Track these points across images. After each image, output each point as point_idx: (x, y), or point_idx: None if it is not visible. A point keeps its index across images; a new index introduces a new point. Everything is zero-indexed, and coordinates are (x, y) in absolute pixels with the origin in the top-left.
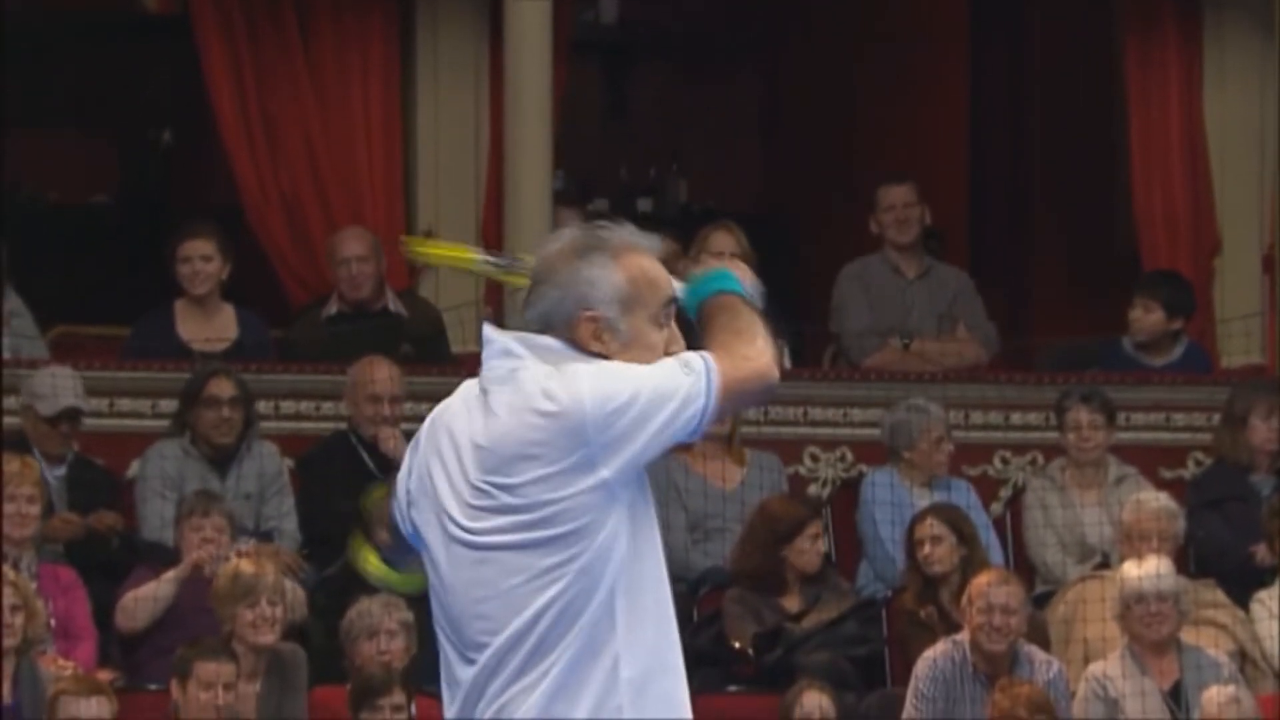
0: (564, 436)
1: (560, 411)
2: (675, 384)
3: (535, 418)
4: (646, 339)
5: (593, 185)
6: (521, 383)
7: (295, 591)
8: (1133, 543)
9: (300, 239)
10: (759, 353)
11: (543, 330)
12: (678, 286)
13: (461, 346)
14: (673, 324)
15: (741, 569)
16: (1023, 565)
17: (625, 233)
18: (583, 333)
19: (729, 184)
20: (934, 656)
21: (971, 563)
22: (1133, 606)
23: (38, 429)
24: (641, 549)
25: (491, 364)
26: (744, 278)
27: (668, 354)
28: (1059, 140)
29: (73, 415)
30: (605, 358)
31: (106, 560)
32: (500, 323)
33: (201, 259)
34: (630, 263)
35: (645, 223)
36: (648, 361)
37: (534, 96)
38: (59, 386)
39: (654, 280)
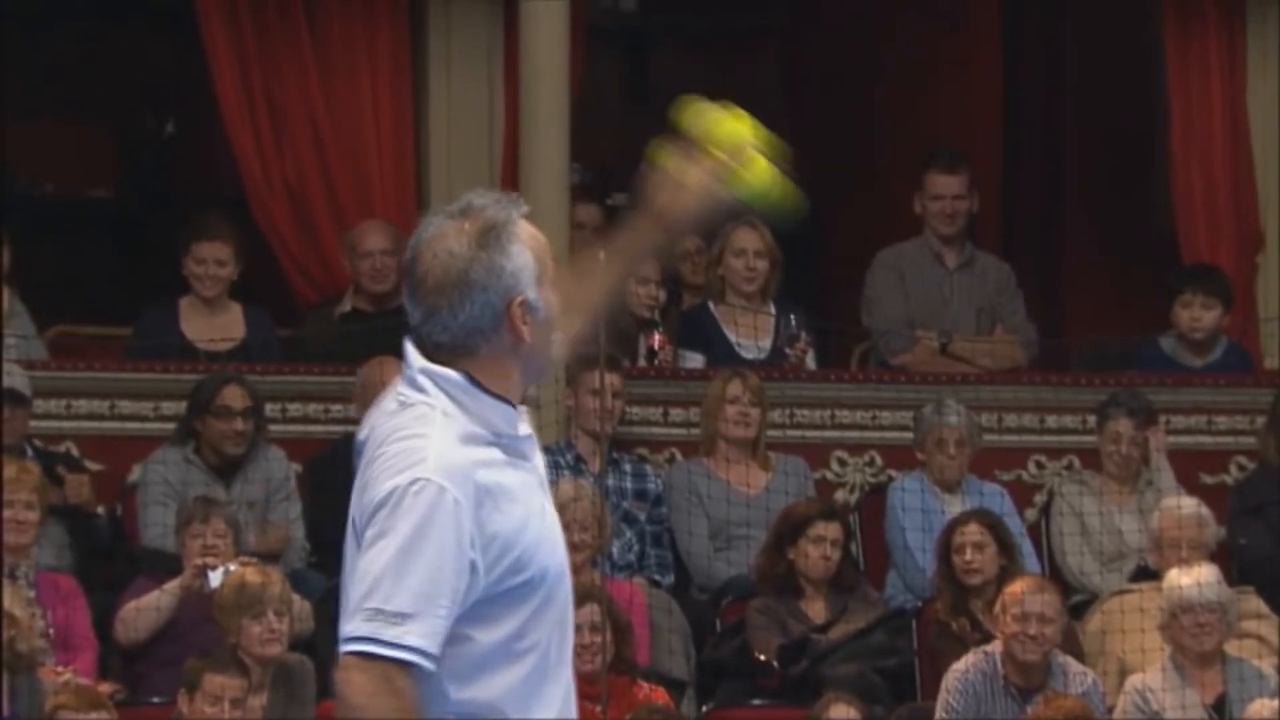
0: None
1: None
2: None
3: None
4: (551, 306)
5: (611, 178)
6: (393, 454)
7: (302, 603)
8: (1164, 551)
9: (306, 232)
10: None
11: (464, 343)
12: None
13: None
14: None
15: (759, 574)
16: (1054, 576)
17: (493, 205)
18: (514, 320)
19: None
20: (964, 668)
21: (1010, 572)
22: (1179, 616)
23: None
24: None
25: (401, 390)
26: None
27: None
28: (1095, 129)
29: (13, 398)
30: (528, 342)
31: (101, 550)
32: None
33: (216, 263)
34: (525, 235)
35: None
36: (547, 333)
37: (550, 85)
38: (13, 371)
39: (542, 243)
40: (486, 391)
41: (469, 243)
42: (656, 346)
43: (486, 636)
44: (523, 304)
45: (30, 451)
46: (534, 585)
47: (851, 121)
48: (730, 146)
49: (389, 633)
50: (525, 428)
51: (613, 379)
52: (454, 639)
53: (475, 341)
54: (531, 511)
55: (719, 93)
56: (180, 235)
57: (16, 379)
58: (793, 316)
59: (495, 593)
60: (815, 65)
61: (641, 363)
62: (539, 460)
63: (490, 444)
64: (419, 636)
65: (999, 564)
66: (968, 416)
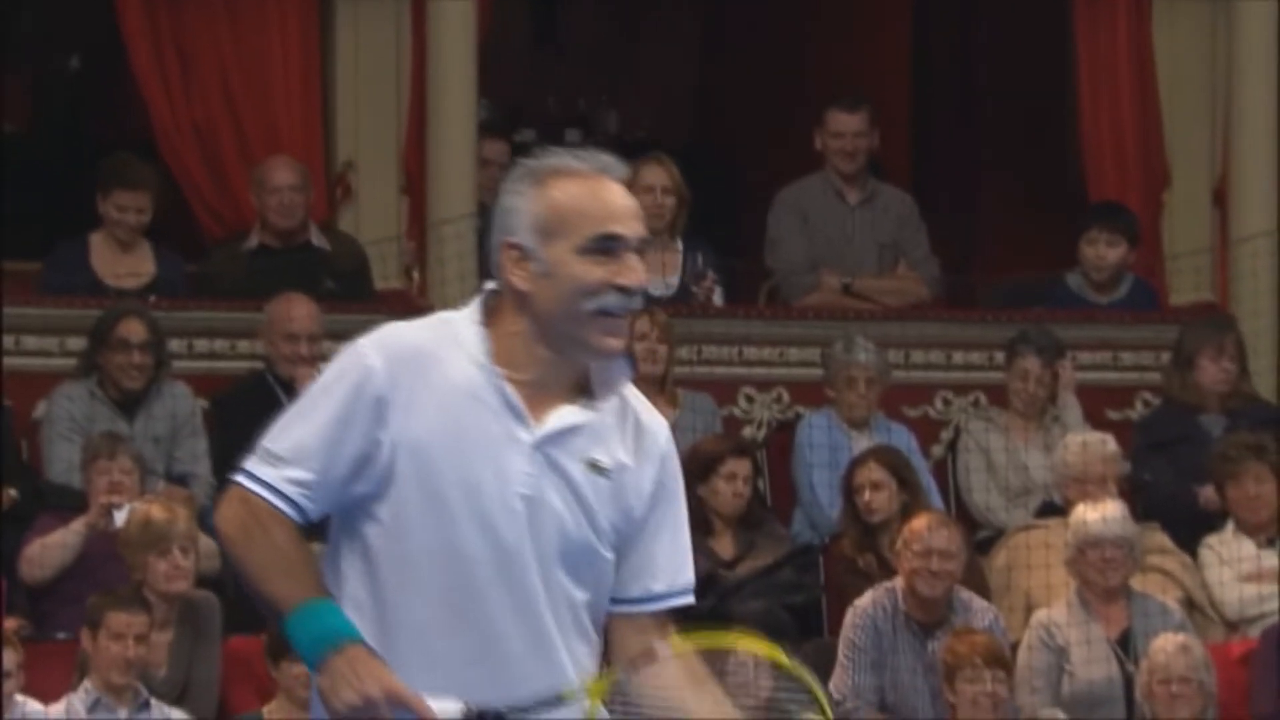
0: None
1: None
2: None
3: None
4: (568, 269)
5: (520, 116)
6: None
7: (208, 540)
8: (1075, 486)
9: (215, 171)
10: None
11: (492, 274)
12: None
13: (384, 282)
14: (629, 256)
15: None
16: (961, 512)
17: (569, 158)
18: (504, 263)
19: (661, 114)
20: (866, 604)
21: (913, 509)
22: (1086, 551)
23: None
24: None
25: None
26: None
27: (616, 286)
28: (1006, 68)
29: None
30: (523, 291)
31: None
32: (423, 260)
33: (136, 211)
34: (557, 188)
35: None
36: (565, 296)
37: (457, 22)
38: None
39: (581, 209)
40: (481, 323)
41: (507, 180)
42: None
43: (369, 542)
44: (513, 247)
45: None
46: (433, 533)
47: (764, 66)
48: None
49: (261, 469)
50: (557, 420)
51: None
52: (350, 530)
53: (495, 275)
54: (473, 464)
55: (629, 34)
56: (100, 178)
57: None
58: (699, 254)
59: (384, 497)
60: (731, 9)
61: None
62: (563, 457)
63: (475, 367)
64: (287, 481)
65: (900, 501)
66: (878, 354)
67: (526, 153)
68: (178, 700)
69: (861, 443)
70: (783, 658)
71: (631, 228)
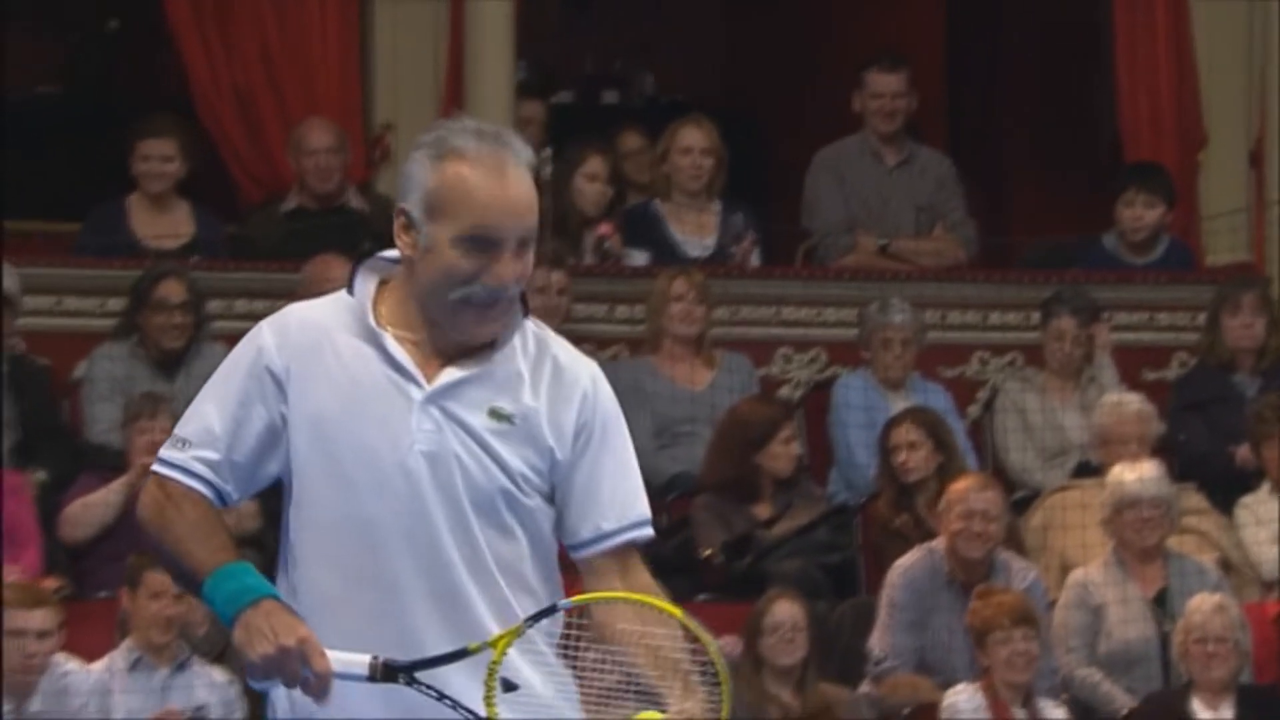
0: None
1: None
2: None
3: None
4: (441, 257)
5: (556, 77)
6: None
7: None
8: (1106, 447)
9: (253, 133)
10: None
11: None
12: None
13: None
14: (504, 256)
15: (713, 477)
16: (997, 472)
17: (472, 138)
18: (397, 229)
19: (696, 75)
20: (908, 564)
21: (949, 469)
22: (1123, 512)
23: None
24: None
25: None
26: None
27: (484, 282)
28: (1040, 28)
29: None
30: (408, 257)
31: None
32: None
33: (161, 159)
34: (450, 169)
35: (612, 115)
36: (435, 279)
37: None
38: None
39: (466, 197)
40: (351, 291)
41: (417, 142)
42: (605, 235)
43: (286, 518)
44: (403, 210)
45: (3, 353)
46: (336, 505)
47: (797, 28)
48: None
49: (171, 453)
50: (449, 374)
51: (558, 277)
52: (282, 512)
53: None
54: (367, 429)
55: None
56: (128, 135)
57: (10, 280)
58: (739, 215)
59: (291, 473)
60: None
61: (589, 255)
62: (461, 409)
63: (365, 332)
64: (196, 461)
65: (936, 462)
66: (913, 314)
67: (563, 114)
68: (217, 658)
69: (898, 403)
70: (687, 620)
71: (512, 225)
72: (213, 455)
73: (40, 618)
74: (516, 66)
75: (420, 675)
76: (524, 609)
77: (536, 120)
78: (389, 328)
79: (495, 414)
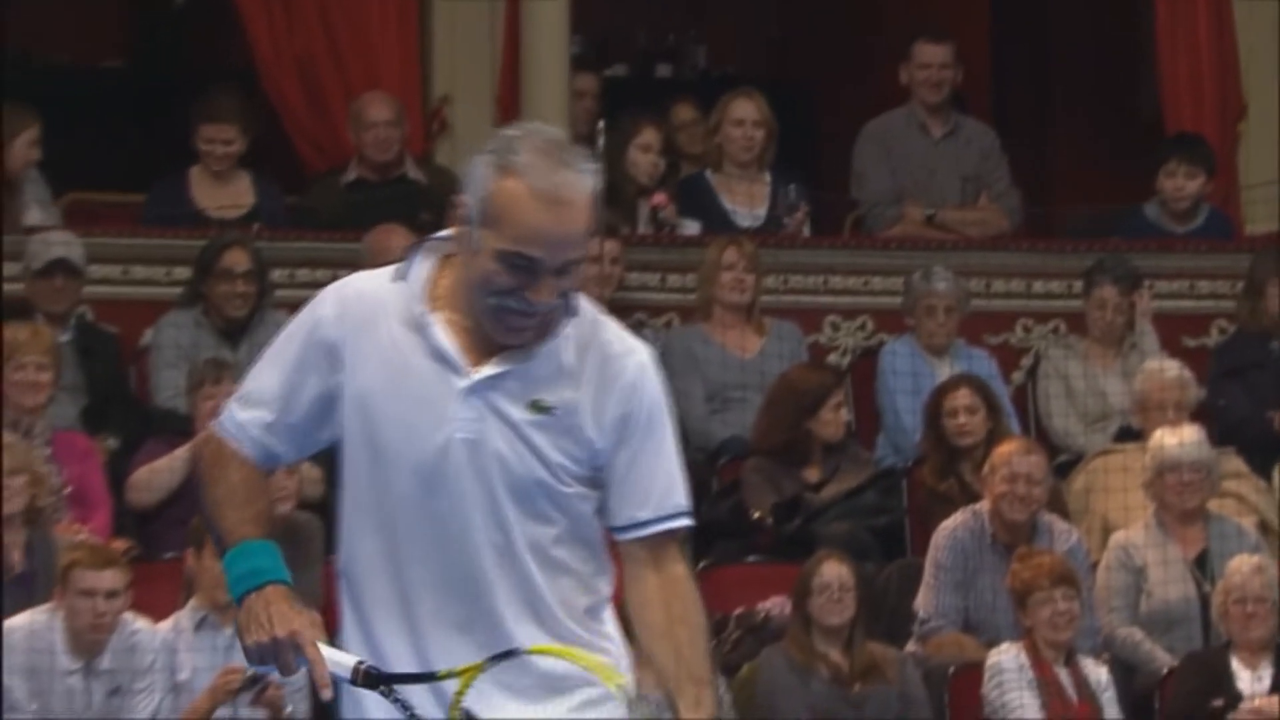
0: None
1: None
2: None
3: None
4: (485, 263)
5: (610, 50)
6: None
7: (311, 466)
8: (1147, 412)
9: (316, 103)
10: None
11: None
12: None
13: None
14: (543, 280)
15: (764, 441)
16: (1041, 437)
17: (539, 158)
18: (458, 213)
19: (748, 49)
20: (953, 526)
21: (996, 434)
22: (1165, 475)
23: (34, 287)
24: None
25: None
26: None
27: (520, 297)
28: (1084, 3)
29: (66, 269)
30: (462, 246)
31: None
32: None
33: (223, 143)
34: (508, 183)
35: (665, 88)
36: (477, 281)
37: None
38: (50, 240)
39: (517, 221)
40: (406, 276)
41: (491, 140)
42: (661, 205)
43: (343, 484)
44: (461, 203)
45: (73, 320)
46: (374, 481)
47: (845, 3)
48: None
49: (229, 412)
50: (492, 366)
51: (611, 246)
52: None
53: None
54: (410, 412)
55: None
56: (190, 113)
57: (73, 249)
58: (793, 186)
59: (342, 444)
60: None
61: (643, 225)
62: (503, 400)
63: (414, 317)
64: (252, 423)
65: (987, 427)
66: (955, 283)
67: (618, 87)
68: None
69: (943, 369)
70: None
71: (555, 256)
72: (268, 416)
73: (110, 578)
74: (571, 40)
75: (398, 689)
76: (559, 591)
77: (590, 93)
78: (443, 309)
79: (536, 406)
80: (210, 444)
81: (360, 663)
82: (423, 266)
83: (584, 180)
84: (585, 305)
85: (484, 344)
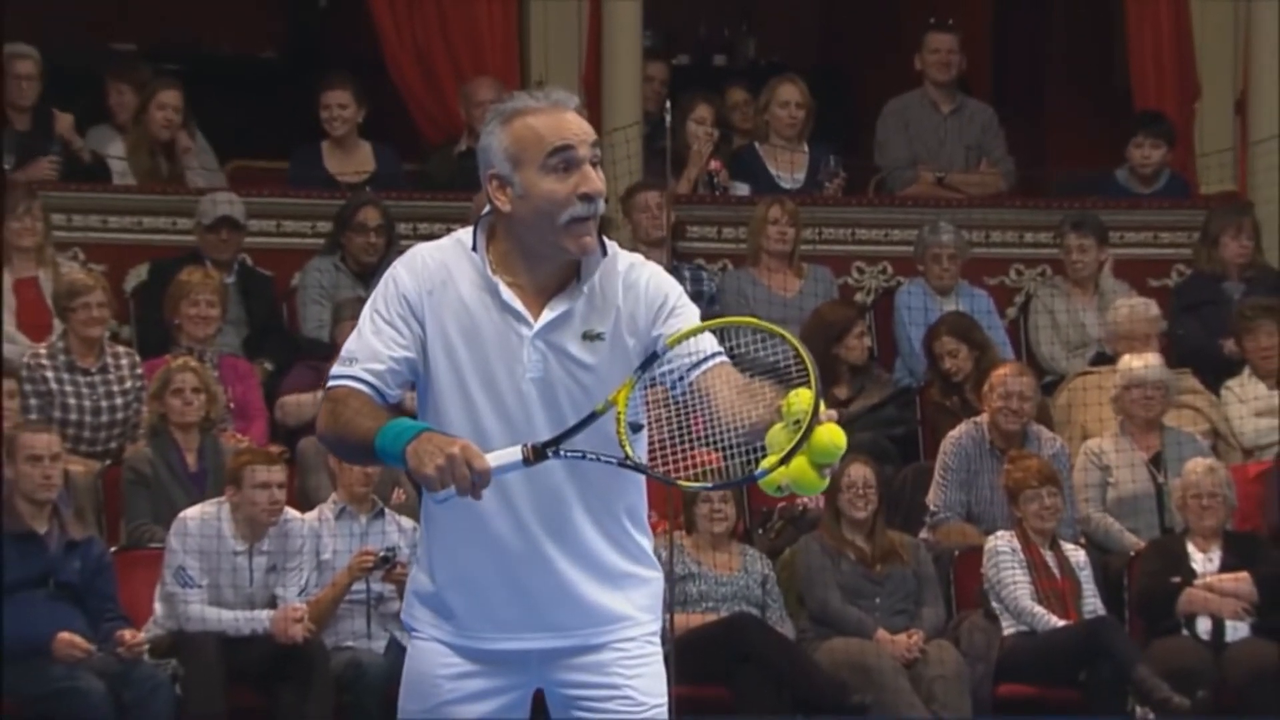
0: None
1: None
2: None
3: None
4: (539, 188)
5: (676, 42)
6: None
7: None
8: (1121, 340)
9: (431, 84)
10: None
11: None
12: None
13: None
14: (586, 168)
15: None
16: (1030, 361)
17: (527, 98)
18: (492, 192)
19: (792, 40)
20: (958, 435)
21: (986, 360)
22: (1130, 390)
23: (204, 239)
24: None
25: None
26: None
27: (581, 195)
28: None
29: (230, 224)
30: (508, 213)
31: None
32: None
33: (339, 106)
34: (518, 123)
35: (721, 75)
36: (540, 214)
37: None
38: (217, 200)
39: (537, 134)
40: (474, 248)
41: (484, 124)
42: (716, 170)
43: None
44: (494, 175)
45: (236, 266)
46: (453, 410)
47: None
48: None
49: (340, 369)
50: (549, 312)
51: (650, 196)
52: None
53: (490, 202)
54: (488, 358)
55: None
56: (317, 90)
57: (235, 207)
58: (831, 156)
59: (428, 386)
60: None
61: (701, 188)
62: (562, 338)
63: (480, 278)
64: (363, 370)
65: (973, 357)
66: (956, 234)
67: (681, 74)
68: (408, 509)
69: (949, 304)
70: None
71: (581, 139)
72: (377, 366)
73: (278, 473)
74: (643, 34)
75: (564, 446)
76: (615, 493)
77: (659, 78)
78: (501, 274)
79: (588, 335)
80: (327, 399)
81: (525, 445)
82: (482, 241)
83: (572, 99)
84: (611, 244)
85: (537, 295)
